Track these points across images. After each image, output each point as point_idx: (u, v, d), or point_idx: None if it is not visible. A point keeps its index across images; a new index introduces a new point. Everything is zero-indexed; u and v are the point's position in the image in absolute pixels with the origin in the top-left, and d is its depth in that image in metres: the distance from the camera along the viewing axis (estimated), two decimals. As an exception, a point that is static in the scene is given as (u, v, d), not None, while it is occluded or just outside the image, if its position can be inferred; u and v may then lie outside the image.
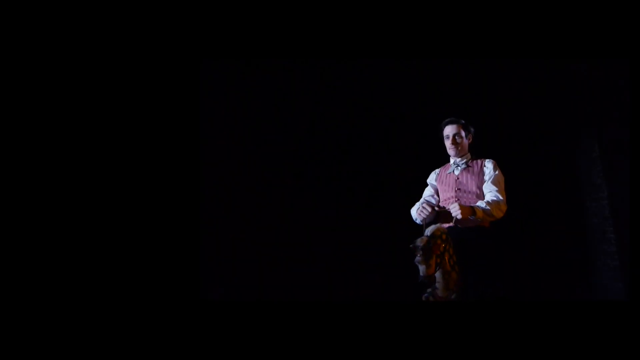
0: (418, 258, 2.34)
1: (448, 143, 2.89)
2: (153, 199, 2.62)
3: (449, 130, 2.88)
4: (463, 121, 2.90)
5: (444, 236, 2.45)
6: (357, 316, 2.82)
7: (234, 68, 4.21)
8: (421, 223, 2.64)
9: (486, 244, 2.72)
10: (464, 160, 2.86)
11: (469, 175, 2.81)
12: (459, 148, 2.85)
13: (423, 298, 2.54)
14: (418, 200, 3.12)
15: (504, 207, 2.66)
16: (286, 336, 2.62)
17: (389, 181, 4.39)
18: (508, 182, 2.90)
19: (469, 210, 2.55)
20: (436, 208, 2.68)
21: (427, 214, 2.61)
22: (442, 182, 2.93)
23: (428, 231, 2.46)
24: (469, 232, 2.69)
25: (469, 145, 2.92)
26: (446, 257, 2.44)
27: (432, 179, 3.04)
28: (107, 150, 2.60)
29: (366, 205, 4.36)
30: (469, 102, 4.35)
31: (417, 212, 2.70)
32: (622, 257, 3.74)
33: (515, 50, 3.08)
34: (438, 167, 3.09)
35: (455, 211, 2.52)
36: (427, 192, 3.04)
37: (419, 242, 2.38)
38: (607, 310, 2.72)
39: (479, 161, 2.85)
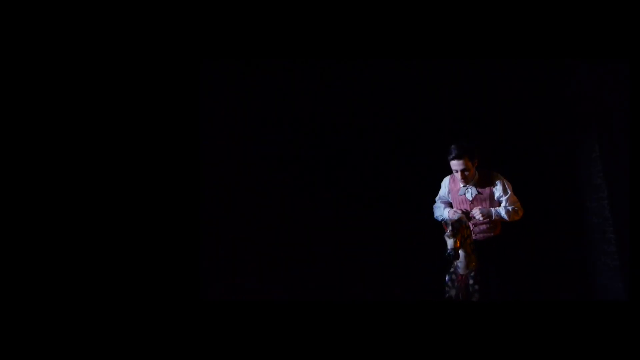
0: (448, 233, 2.78)
1: (457, 176, 3.02)
2: (153, 199, 2.62)
3: (456, 166, 2.97)
4: (468, 151, 2.93)
5: (467, 223, 2.91)
6: (357, 316, 2.82)
7: (234, 68, 4.20)
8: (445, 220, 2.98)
9: (489, 246, 2.96)
10: (473, 183, 3.04)
11: (481, 199, 3.03)
12: (468, 179, 3.02)
13: (446, 278, 2.94)
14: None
15: (521, 213, 3.01)
16: (286, 336, 2.62)
17: (389, 181, 4.38)
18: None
19: (488, 214, 2.95)
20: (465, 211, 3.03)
21: (461, 215, 2.97)
22: (455, 201, 3.12)
23: (455, 215, 2.93)
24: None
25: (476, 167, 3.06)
26: (468, 242, 2.85)
27: (444, 192, 3.22)
28: (108, 150, 2.60)
29: (366, 205, 4.35)
30: (469, 103, 4.35)
31: (448, 213, 3.03)
32: (622, 257, 3.73)
33: (515, 50, 3.08)
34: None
35: (478, 213, 2.93)
36: (442, 192, 3.23)
37: (449, 220, 2.86)
38: (607, 310, 2.72)
39: (487, 189, 3.03)
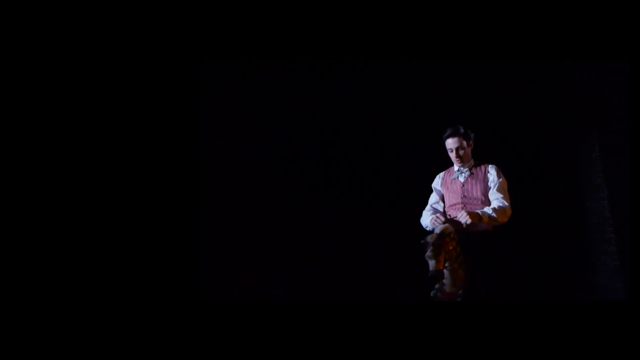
0: (428, 253, 2.46)
1: (452, 155, 2.99)
2: (153, 199, 2.62)
3: (451, 144, 2.98)
4: (462, 130, 2.97)
5: (452, 235, 2.57)
6: (357, 316, 2.82)
7: (234, 68, 4.21)
8: (431, 229, 2.77)
9: (489, 246, 2.83)
10: (468, 168, 3.00)
11: (473, 182, 2.95)
12: (463, 159, 2.98)
13: (431, 294, 2.58)
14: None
15: (509, 212, 2.81)
16: (286, 336, 2.62)
17: (389, 181, 4.39)
18: (508, 182, 2.95)
19: (476, 216, 2.70)
20: (447, 217, 2.82)
21: (440, 223, 2.74)
22: (448, 188, 3.05)
23: (437, 229, 2.58)
24: (474, 235, 2.80)
25: (471, 150, 3.02)
26: (454, 255, 2.55)
27: (437, 184, 3.16)
28: (108, 150, 2.60)
29: (366, 205, 4.35)
30: (469, 103, 4.35)
31: (430, 222, 2.86)
32: (622, 257, 3.74)
33: (515, 50, 3.08)
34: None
35: (464, 218, 2.66)
36: (433, 198, 3.15)
37: (429, 238, 2.50)
38: (607, 310, 2.72)
39: (482, 167, 2.98)
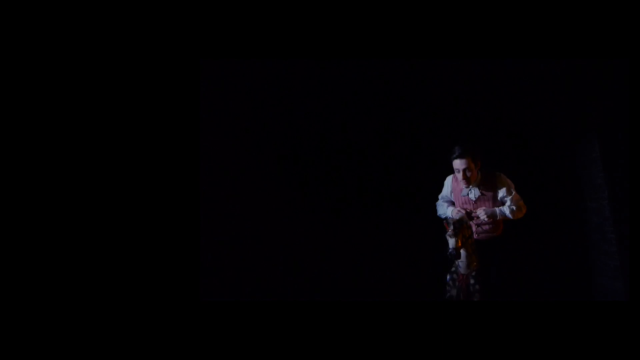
0: (449, 232, 2.78)
1: (459, 176, 3.00)
2: (153, 199, 2.62)
3: (458, 165, 2.97)
4: (471, 150, 2.95)
5: (469, 223, 2.92)
6: (357, 316, 2.82)
7: (234, 68, 4.20)
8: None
9: (490, 247, 2.98)
10: (476, 184, 3.04)
11: (484, 199, 3.03)
12: (470, 180, 3.00)
13: (447, 278, 2.94)
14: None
15: (524, 210, 3.04)
16: (286, 336, 2.62)
17: (389, 181, 4.38)
18: (508, 182, 2.97)
19: (493, 213, 2.98)
20: (468, 210, 3.05)
21: (463, 214, 2.99)
22: (458, 200, 3.13)
23: (458, 215, 2.95)
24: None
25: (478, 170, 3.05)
26: (469, 242, 2.86)
27: (446, 192, 3.22)
28: (107, 150, 2.60)
29: (366, 206, 4.35)
30: (469, 102, 4.35)
31: (453, 213, 3.02)
32: (622, 257, 3.73)
33: (515, 50, 3.08)
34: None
35: (483, 215, 2.95)
36: (445, 191, 3.24)
37: (451, 219, 2.85)
38: (607, 310, 2.72)
39: (490, 182, 3.03)
